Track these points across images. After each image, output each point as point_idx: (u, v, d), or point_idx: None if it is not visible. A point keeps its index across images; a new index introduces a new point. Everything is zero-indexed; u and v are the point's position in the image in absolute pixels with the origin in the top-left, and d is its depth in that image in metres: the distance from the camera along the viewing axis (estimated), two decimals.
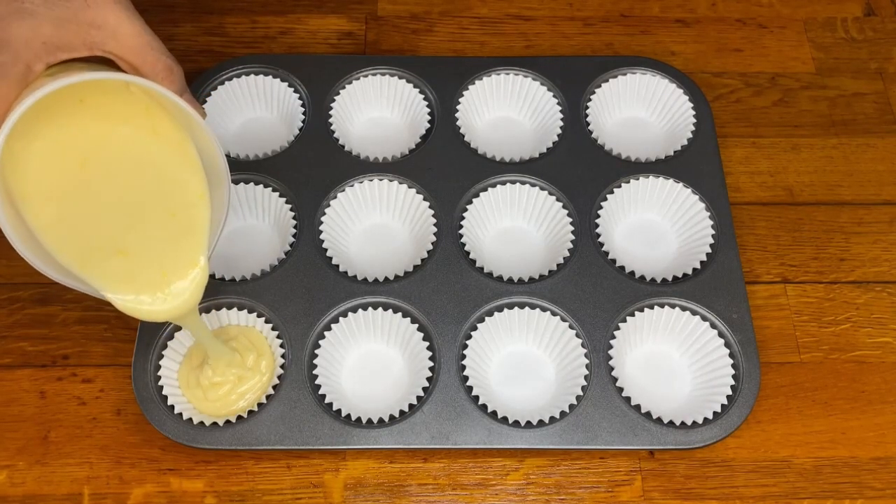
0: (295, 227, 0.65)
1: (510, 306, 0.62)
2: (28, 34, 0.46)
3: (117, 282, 0.50)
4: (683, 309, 0.62)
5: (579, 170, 0.68)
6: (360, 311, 0.62)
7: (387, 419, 0.58)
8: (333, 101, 0.70)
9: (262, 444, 0.57)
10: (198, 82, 0.71)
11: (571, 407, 0.58)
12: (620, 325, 0.61)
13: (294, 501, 0.58)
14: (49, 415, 0.60)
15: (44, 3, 0.46)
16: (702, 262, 0.64)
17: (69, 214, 0.48)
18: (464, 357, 0.60)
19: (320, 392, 0.59)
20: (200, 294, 0.52)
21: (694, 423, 0.58)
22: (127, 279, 0.50)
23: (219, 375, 0.58)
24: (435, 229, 0.65)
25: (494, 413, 0.58)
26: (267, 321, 0.61)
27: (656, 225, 0.68)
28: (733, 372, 0.60)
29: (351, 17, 0.78)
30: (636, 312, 0.62)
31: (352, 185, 0.66)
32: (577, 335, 0.61)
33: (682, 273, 0.63)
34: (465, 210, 0.66)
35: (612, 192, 0.67)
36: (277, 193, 0.66)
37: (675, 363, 0.62)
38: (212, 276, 0.63)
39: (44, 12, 0.46)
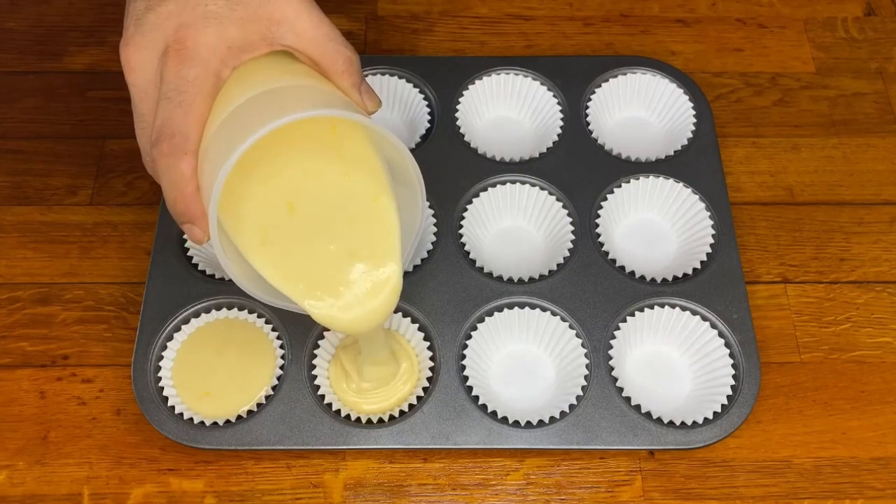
0: None
1: (510, 306, 0.62)
2: (214, 41, 0.44)
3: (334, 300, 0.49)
4: (683, 309, 0.62)
5: (579, 170, 0.67)
6: None
7: (387, 419, 0.58)
8: None
9: (262, 444, 0.57)
10: None
11: (571, 407, 0.58)
12: (620, 325, 0.61)
13: (294, 501, 0.58)
14: (49, 415, 0.60)
15: (227, 3, 0.45)
16: (702, 262, 0.64)
17: (285, 254, 0.48)
18: (464, 357, 0.60)
19: (319, 393, 0.59)
20: (393, 301, 0.50)
21: (694, 423, 0.58)
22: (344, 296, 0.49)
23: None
24: (435, 229, 0.65)
25: (494, 413, 0.58)
26: (267, 321, 0.61)
27: (656, 225, 0.68)
28: (733, 372, 0.60)
29: (351, 16, 0.78)
30: (636, 312, 0.62)
31: None
32: (577, 335, 0.61)
33: (682, 273, 0.63)
34: (465, 210, 0.66)
35: (612, 192, 0.67)
36: None
37: (675, 363, 0.62)
38: (212, 276, 0.63)
39: (227, 14, 0.45)
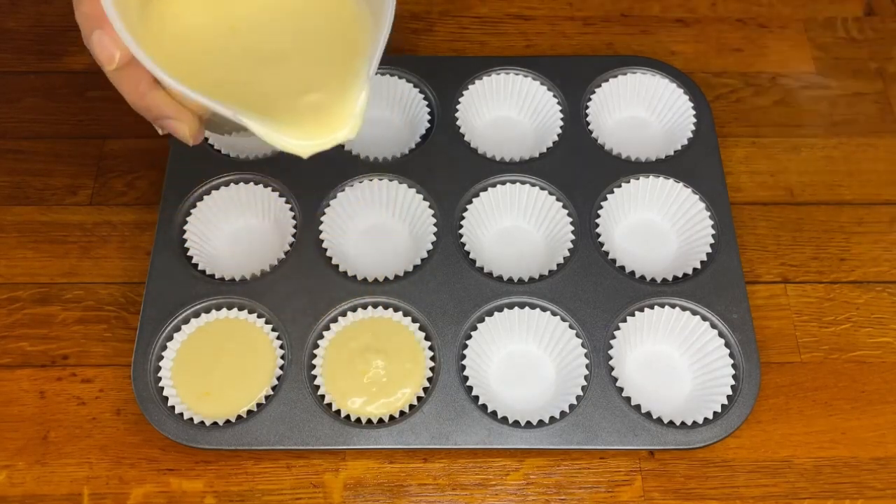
0: (295, 227, 0.65)
1: (510, 306, 0.62)
2: None
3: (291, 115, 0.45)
4: (683, 309, 0.62)
5: (579, 170, 0.67)
6: (359, 309, 0.62)
7: (387, 419, 0.58)
8: None
9: (262, 444, 0.57)
10: None
11: (571, 407, 0.58)
12: (620, 325, 0.61)
13: (294, 501, 0.58)
14: (49, 415, 0.60)
15: None
16: (702, 262, 0.64)
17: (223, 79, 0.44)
18: (464, 357, 0.60)
19: (319, 393, 0.59)
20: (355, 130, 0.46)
21: (694, 423, 0.58)
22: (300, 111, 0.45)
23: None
24: (435, 229, 0.65)
25: (494, 413, 0.58)
26: (267, 321, 0.61)
27: (656, 225, 0.68)
28: (733, 372, 0.60)
29: None
30: (636, 312, 0.62)
31: (352, 185, 0.66)
32: (577, 335, 0.61)
33: (682, 273, 0.63)
34: (465, 210, 0.66)
35: (612, 192, 0.67)
36: (277, 193, 0.66)
37: (675, 363, 0.62)
38: (211, 276, 0.63)
39: None
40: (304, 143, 0.45)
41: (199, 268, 0.63)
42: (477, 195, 0.66)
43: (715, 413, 0.58)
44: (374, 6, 0.46)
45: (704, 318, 0.62)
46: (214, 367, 0.60)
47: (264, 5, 0.45)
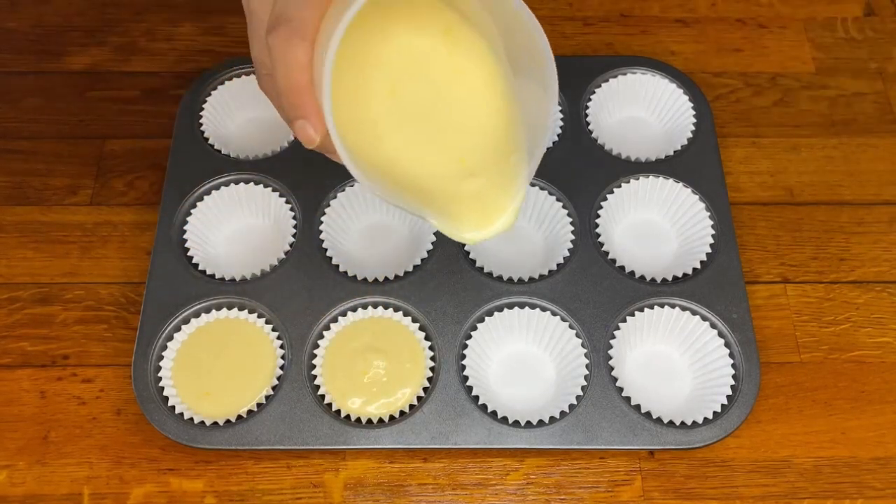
0: (295, 227, 0.65)
1: (510, 306, 0.62)
2: None
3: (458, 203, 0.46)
4: (683, 309, 0.62)
5: (579, 170, 0.67)
6: (359, 309, 0.62)
7: (387, 419, 0.58)
8: None
9: (262, 444, 0.57)
10: (198, 82, 0.71)
11: (571, 407, 0.58)
12: (620, 325, 0.61)
13: (294, 501, 0.58)
14: (49, 415, 0.60)
15: None
16: (702, 262, 0.64)
17: (396, 158, 0.44)
18: (464, 357, 0.60)
19: (319, 393, 0.59)
20: (514, 217, 0.47)
21: (694, 423, 0.58)
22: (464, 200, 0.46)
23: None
24: (435, 229, 0.65)
25: (494, 413, 0.58)
26: (267, 321, 0.61)
27: (656, 225, 0.68)
28: (733, 372, 0.60)
29: None
30: (636, 312, 0.62)
31: (352, 185, 0.66)
32: (577, 335, 0.61)
33: (682, 273, 0.63)
34: None
35: (612, 192, 0.67)
36: (277, 193, 0.66)
37: (675, 363, 0.62)
38: (211, 276, 0.63)
39: None
40: (471, 235, 0.47)
41: (199, 268, 0.63)
42: None
43: (715, 413, 0.58)
44: (532, 92, 0.47)
45: (704, 318, 0.62)
46: (214, 367, 0.60)
47: (426, 75, 0.45)
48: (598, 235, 0.65)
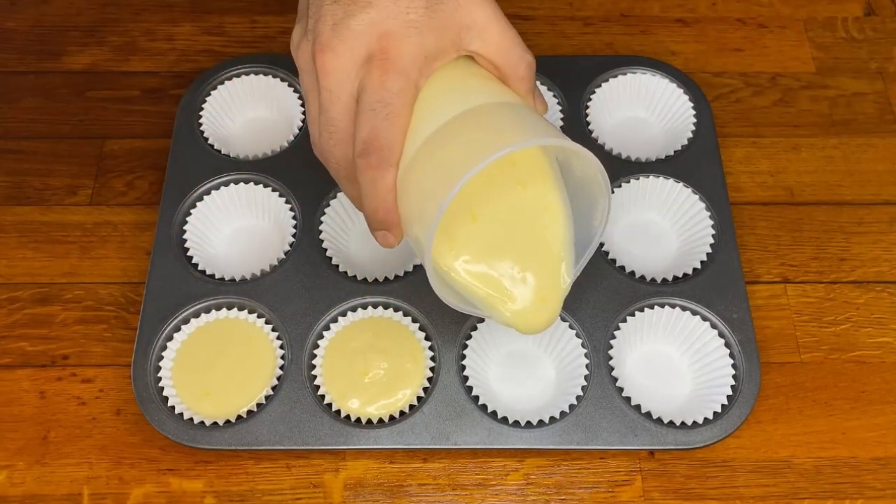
0: (295, 227, 0.65)
1: None
2: (415, 50, 0.44)
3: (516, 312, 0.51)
4: (683, 309, 0.62)
5: None
6: (359, 309, 0.62)
7: (387, 419, 0.58)
8: None
9: (262, 444, 0.57)
10: (198, 82, 0.71)
11: (571, 407, 0.58)
12: (620, 325, 0.61)
13: (294, 502, 0.58)
14: (49, 415, 0.60)
15: (426, 10, 0.44)
16: (702, 262, 0.64)
17: (469, 262, 0.50)
18: (464, 357, 0.60)
19: (319, 393, 0.59)
20: (556, 312, 0.53)
21: (694, 423, 0.58)
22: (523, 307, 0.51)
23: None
24: None
25: (494, 413, 0.58)
26: (267, 321, 0.61)
27: (656, 225, 0.68)
28: (733, 372, 0.60)
29: None
30: (636, 312, 0.62)
31: None
32: (577, 335, 0.61)
33: (682, 273, 0.63)
34: None
35: (612, 192, 0.67)
36: (277, 193, 0.66)
37: (675, 363, 0.62)
38: (211, 276, 0.63)
39: (426, 22, 0.44)
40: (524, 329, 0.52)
41: (199, 268, 0.63)
42: None
43: (715, 413, 0.58)
44: (582, 211, 0.52)
45: (704, 318, 0.62)
46: (214, 367, 0.60)
47: (501, 203, 0.51)
48: None
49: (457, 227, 0.49)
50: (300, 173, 0.67)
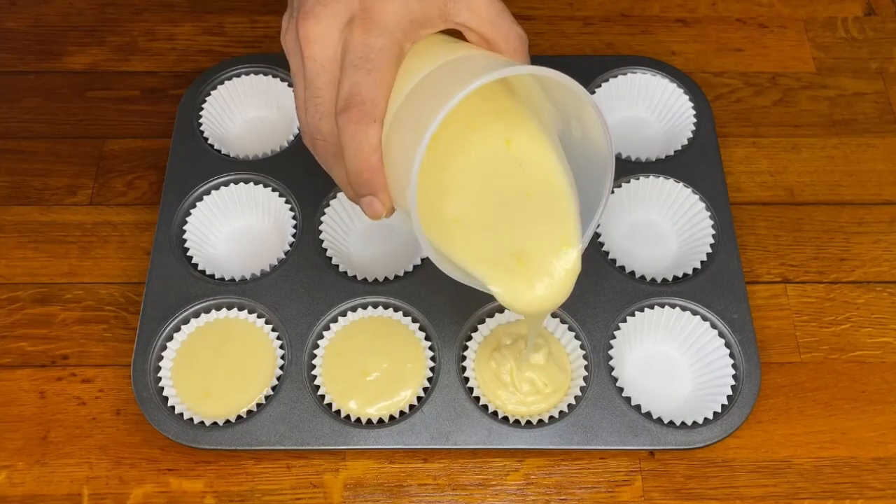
0: (295, 227, 0.65)
1: None
2: (399, 12, 0.44)
3: (510, 280, 0.48)
4: (683, 309, 0.62)
5: None
6: (359, 309, 0.62)
7: (387, 420, 0.58)
8: None
9: (262, 444, 0.57)
10: (197, 82, 0.71)
11: (571, 407, 0.58)
12: (620, 325, 0.61)
13: (294, 502, 0.57)
14: (48, 415, 0.60)
15: None
16: (702, 262, 0.64)
17: (470, 233, 0.47)
18: (464, 357, 0.60)
19: (319, 393, 0.59)
20: (570, 285, 0.49)
21: (694, 423, 0.58)
22: (517, 276, 0.48)
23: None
24: None
25: (495, 413, 0.58)
26: (267, 321, 0.61)
27: (656, 225, 0.68)
28: (733, 372, 0.60)
29: None
30: (636, 312, 0.62)
31: None
32: (577, 335, 0.61)
33: (682, 273, 0.63)
34: None
35: (612, 192, 0.67)
36: (277, 193, 0.66)
37: (675, 363, 0.62)
38: (211, 276, 0.63)
39: None
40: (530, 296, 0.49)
41: (199, 268, 0.63)
42: None
43: (715, 413, 0.58)
44: (587, 185, 0.49)
45: (704, 318, 0.62)
46: (214, 367, 0.60)
47: (502, 180, 0.48)
48: (599, 235, 0.65)
49: (454, 206, 0.47)
50: (300, 173, 0.67)
